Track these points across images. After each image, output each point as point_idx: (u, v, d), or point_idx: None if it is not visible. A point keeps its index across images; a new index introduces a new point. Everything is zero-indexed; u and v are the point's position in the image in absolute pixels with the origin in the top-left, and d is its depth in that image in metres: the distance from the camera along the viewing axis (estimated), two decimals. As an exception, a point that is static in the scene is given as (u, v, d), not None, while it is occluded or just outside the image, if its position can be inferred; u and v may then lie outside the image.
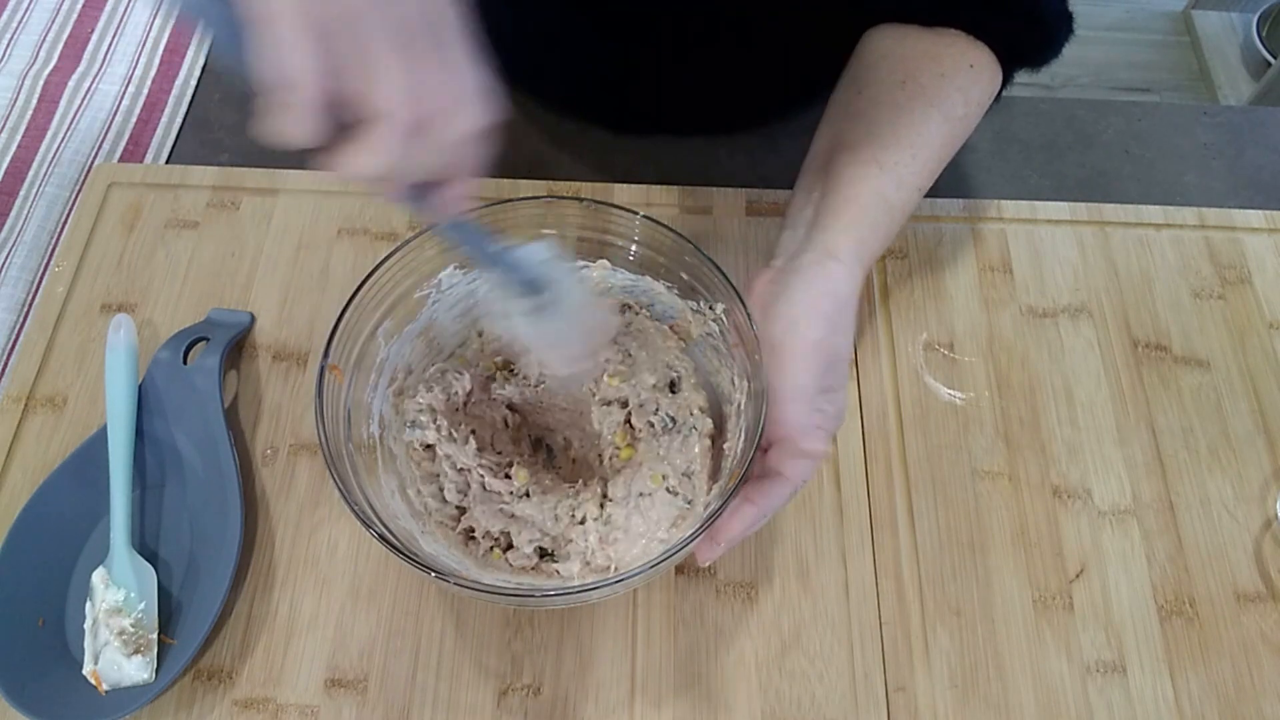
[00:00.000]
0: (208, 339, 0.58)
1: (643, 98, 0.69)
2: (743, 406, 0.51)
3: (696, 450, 0.52)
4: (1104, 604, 0.53)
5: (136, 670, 0.48)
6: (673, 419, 0.53)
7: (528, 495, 0.52)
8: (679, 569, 0.53)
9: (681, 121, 0.70)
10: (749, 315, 0.48)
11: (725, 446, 0.52)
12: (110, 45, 0.74)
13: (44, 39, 0.73)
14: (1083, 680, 0.51)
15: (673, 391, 0.54)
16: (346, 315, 0.49)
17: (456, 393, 0.53)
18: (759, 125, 0.71)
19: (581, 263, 0.53)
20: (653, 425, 0.52)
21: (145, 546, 0.52)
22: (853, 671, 0.51)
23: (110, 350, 0.55)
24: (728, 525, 0.44)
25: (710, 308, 0.52)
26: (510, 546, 0.50)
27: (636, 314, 0.56)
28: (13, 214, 0.66)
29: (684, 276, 0.53)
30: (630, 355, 0.54)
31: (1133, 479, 0.57)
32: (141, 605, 0.50)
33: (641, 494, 0.50)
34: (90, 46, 0.74)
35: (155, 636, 0.49)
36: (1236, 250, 0.65)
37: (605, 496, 0.51)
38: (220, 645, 0.51)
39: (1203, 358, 0.61)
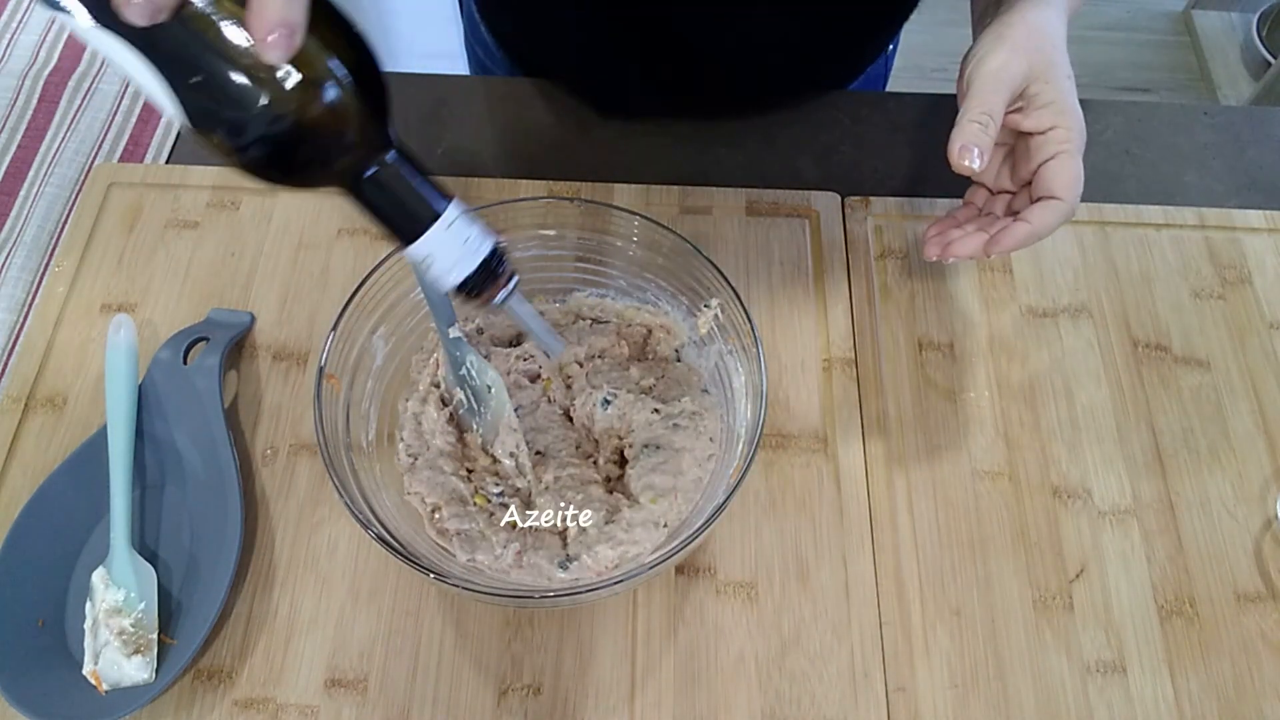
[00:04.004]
0: (208, 339, 0.58)
1: (654, 73, 0.69)
2: (742, 405, 0.51)
3: (697, 452, 0.52)
4: (1104, 604, 0.53)
5: (136, 670, 0.48)
6: (675, 425, 0.53)
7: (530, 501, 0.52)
8: (679, 569, 0.53)
9: (691, 101, 0.70)
10: (747, 314, 0.49)
11: (725, 446, 0.52)
12: (110, 45, 0.74)
13: (44, 39, 0.73)
14: (1083, 680, 0.51)
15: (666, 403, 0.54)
16: (344, 319, 0.49)
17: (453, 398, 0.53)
18: (768, 106, 0.72)
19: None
20: (648, 448, 0.52)
21: (145, 546, 0.52)
22: (853, 671, 0.51)
23: (110, 350, 0.55)
24: (1000, 240, 0.48)
25: (708, 307, 0.52)
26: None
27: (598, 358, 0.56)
28: (13, 214, 0.66)
29: (683, 276, 0.53)
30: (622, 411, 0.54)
31: (1133, 479, 0.57)
32: (141, 605, 0.50)
33: (641, 495, 0.50)
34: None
35: (155, 636, 0.49)
36: (1236, 250, 0.65)
37: (606, 495, 0.51)
38: (220, 645, 0.51)
39: (1203, 358, 0.61)
